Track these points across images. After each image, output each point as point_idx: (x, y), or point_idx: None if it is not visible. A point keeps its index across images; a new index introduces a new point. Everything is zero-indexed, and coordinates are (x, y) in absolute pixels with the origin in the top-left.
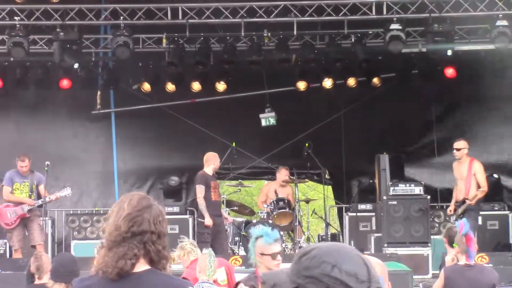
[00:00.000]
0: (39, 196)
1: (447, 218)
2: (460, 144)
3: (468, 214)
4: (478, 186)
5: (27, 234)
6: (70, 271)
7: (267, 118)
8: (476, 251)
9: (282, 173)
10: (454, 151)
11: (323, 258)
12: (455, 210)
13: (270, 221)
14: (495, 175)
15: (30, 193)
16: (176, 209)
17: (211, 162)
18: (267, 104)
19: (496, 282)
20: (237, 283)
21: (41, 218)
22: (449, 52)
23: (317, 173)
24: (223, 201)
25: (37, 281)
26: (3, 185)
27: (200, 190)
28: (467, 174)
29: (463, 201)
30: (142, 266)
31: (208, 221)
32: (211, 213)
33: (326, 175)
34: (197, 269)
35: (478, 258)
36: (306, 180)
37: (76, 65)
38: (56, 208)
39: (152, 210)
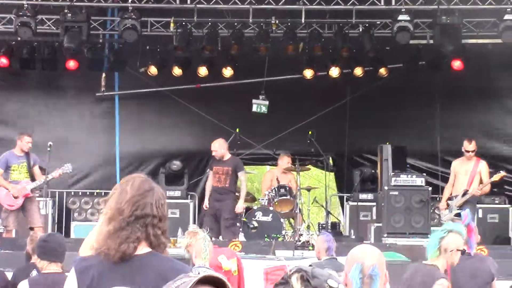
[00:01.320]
0: (33, 178)
1: (436, 211)
2: (474, 146)
3: (466, 205)
4: (480, 184)
5: (23, 215)
6: (64, 250)
7: (259, 105)
8: (478, 242)
9: (284, 160)
10: (470, 153)
11: None
12: (447, 206)
13: (271, 208)
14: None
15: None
16: (177, 193)
17: None
18: (262, 91)
19: (495, 272)
20: None
21: (42, 200)
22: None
23: (320, 160)
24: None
25: (33, 260)
26: None
27: (209, 174)
28: (472, 170)
29: (464, 193)
30: (144, 248)
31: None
32: (210, 197)
33: (330, 161)
34: (193, 254)
35: (477, 250)
36: (309, 167)
37: (72, 48)
38: (57, 189)
39: (154, 193)
